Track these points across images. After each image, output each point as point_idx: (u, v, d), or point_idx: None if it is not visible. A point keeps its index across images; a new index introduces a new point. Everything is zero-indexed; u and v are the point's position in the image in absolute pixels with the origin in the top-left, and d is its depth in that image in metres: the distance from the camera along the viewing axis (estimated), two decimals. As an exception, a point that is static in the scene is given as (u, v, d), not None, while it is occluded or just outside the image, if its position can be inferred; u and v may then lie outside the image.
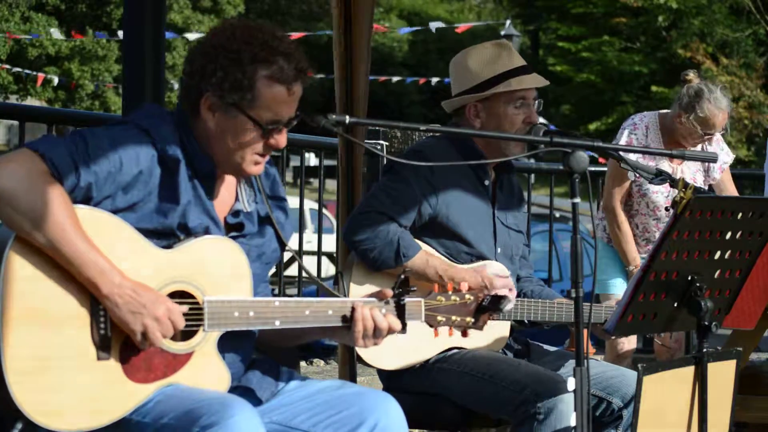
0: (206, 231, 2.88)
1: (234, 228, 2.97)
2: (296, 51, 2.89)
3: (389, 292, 2.99)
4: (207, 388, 2.81)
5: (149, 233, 2.79)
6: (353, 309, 2.93)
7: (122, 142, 2.77)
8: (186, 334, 2.78)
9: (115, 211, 2.75)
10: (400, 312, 2.98)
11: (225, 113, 2.84)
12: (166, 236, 2.82)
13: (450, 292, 3.06)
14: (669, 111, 5.68)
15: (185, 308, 2.75)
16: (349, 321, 2.94)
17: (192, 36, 22.65)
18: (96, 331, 2.67)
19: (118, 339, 2.70)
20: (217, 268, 2.83)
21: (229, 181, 2.99)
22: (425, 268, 3.70)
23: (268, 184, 3.10)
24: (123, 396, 2.70)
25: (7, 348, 2.57)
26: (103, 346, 2.68)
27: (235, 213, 2.97)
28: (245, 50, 2.81)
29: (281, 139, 2.90)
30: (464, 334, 3.13)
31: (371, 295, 3.01)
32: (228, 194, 2.98)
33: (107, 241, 2.70)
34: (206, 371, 2.82)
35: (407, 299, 2.99)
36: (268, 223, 3.05)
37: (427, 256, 3.73)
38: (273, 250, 3.07)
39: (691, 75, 5.58)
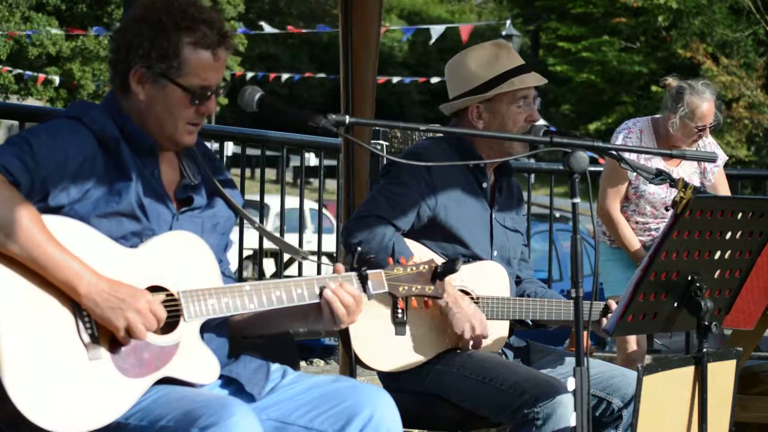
0: (156, 211, 2.90)
1: (184, 202, 3.00)
2: (217, 18, 2.92)
3: (341, 267, 3.01)
4: (199, 376, 2.84)
5: (111, 223, 2.81)
6: (323, 288, 2.94)
7: (60, 133, 2.81)
8: (168, 328, 2.79)
9: (72, 204, 2.78)
10: (363, 283, 3.01)
11: (154, 84, 2.88)
12: (129, 217, 2.84)
13: (405, 264, 3.10)
14: (659, 116, 5.70)
15: (162, 296, 2.77)
16: (320, 298, 2.95)
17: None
18: (84, 333, 2.69)
19: (105, 338, 2.71)
20: (184, 262, 2.87)
21: (172, 157, 3.02)
22: None
23: (211, 165, 3.11)
24: (121, 393, 2.71)
25: (3, 359, 2.57)
26: (93, 346, 2.69)
27: (184, 188, 3.01)
28: (167, 20, 2.86)
29: (210, 105, 2.94)
30: (426, 304, 3.18)
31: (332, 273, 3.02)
32: (172, 171, 3.01)
33: (76, 246, 2.71)
34: (195, 360, 2.85)
35: (369, 271, 3.03)
36: (216, 194, 3.08)
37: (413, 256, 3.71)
38: (226, 218, 3.10)
39: (670, 80, 5.63)
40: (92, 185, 2.81)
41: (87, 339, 2.68)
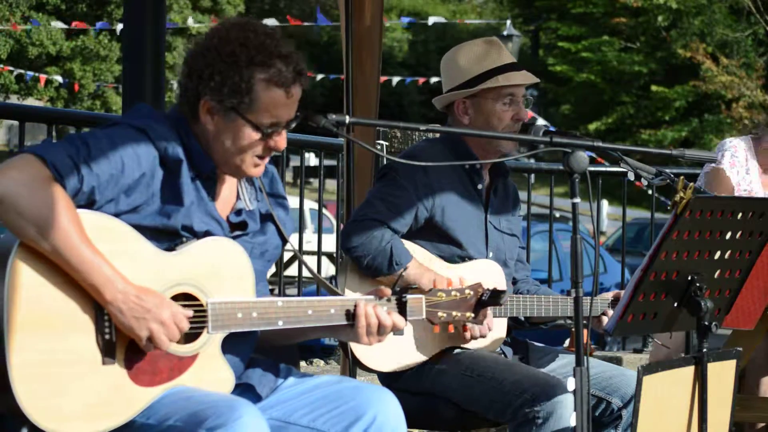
0: (206, 233, 2.87)
1: (237, 227, 2.97)
2: (293, 52, 2.85)
3: (387, 291, 3.00)
4: (211, 389, 2.82)
5: (152, 232, 2.79)
6: (356, 306, 2.94)
7: (122, 143, 2.76)
8: (190, 336, 2.78)
9: (117, 215, 2.75)
10: (402, 309, 3.00)
11: (224, 117, 2.83)
12: (169, 236, 2.81)
13: (450, 288, 3.08)
14: (756, 134, 5.62)
15: (190, 312, 2.74)
16: (351, 319, 2.94)
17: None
18: (101, 337, 2.67)
19: (122, 344, 2.70)
20: (219, 270, 2.83)
21: (230, 180, 2.99)
22: (418, 279, 3.66)
23: (267, 182, 3.10)
24: (128, 400, 2.70)
25: (13, 354, 2.57)
26: (108, 351, 2.67)
27: (238, 212, 2.98)
28: (241, 53, 2.79)
29: (281, 142, 2.89)
30: (464, 329, 3.15)
31: (370, 293, 3.02)
32: (230, 193, 2.98)
33: (111, 245, 2.69)
34: (210, 373, 2.83)
35: (408, 296, 3.01)
36: (270, 220, 3.06)
37: (420, 266, 3.71)
38: (275, 246, 3.07)
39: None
40: (144, 201, 2.78)
41: (104, 343, 2.67)
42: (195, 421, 2.64)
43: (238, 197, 3.00)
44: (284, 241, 3.09)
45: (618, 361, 7.37)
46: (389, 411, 2.91)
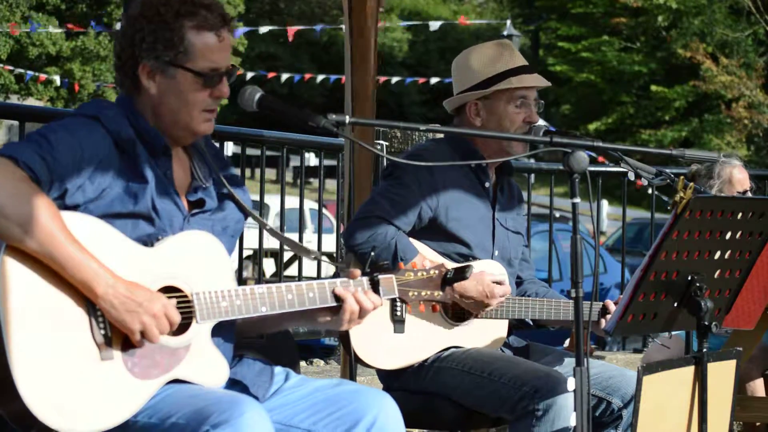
0: (169, 213, 2.91)
1: (195, 205, 3.00)
2: (214, 2, 2.93)
3: (357, 272, 3.01)
4: (209, 378, 2.84)
5: (124, 220, 2.81)
6: (341, 294, 2.96)
7: (77, 131, 2.80)
8: (180, 329, 2.80)
9: (87, 203, 2.78)
10: (375, 288, 3.02)
11: (164, 75, 2.88)
12: (145, 219, 2.84)
13: (416, 269, 3.10)
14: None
15: (174, 301, 2.77)
16: (331, 302, 2.96)
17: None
18: (97, 333, 2.68)
19: (118, 339, 2.71)
20: (197, 262, 2.86)
21: (183, 159, 3.02)
22: None
23: (220, 164, 3.11)
24: (131, 394, 2.71)
25: (14, 354, 2.57)
26: (105, 347, 2.68)
27: (195, 189, 3.01)
28: (166, 10, 2.87)
29: (224, 89, 2.93)
30: (434, 308, 3.20)
31: (343, 275, 3.03)
32: (183, 172, 3.01)
33: (93, 243, 2.71)
34: (205, 362, 2.85)
35: (380, 276, 3.03)
36: (226, 196, 3.08)
37: (425, 260, 3.72)
38: (236, 221, 3.10)
39: (693, 168, 5.41)
40: (108, 185, 2.81)
41: (100, 339, 2.68)
42: (199, 418, 2.65)
43: (192, 177, 3.02)
44: (245, 213, 3.11)
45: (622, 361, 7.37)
46: (389, 413, 2.92)
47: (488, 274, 3.77)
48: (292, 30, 20.44)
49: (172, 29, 2.87)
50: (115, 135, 2.84)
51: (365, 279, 3.01)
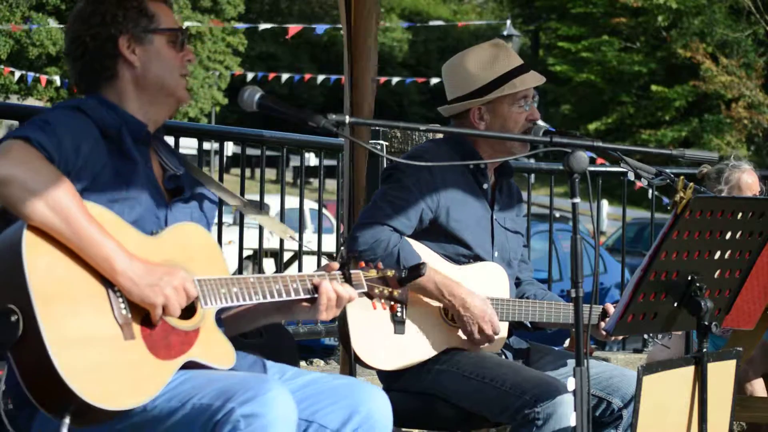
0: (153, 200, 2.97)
1: (174, 192, 3.04)
2: None
3: (335, 265, 3.13)
4: (220, 359, 2.89)
5: (124, 201, 2.84)
6: (319, 284, 3.06)
7: (68, 119, 2.84)
8: (187, 314, 2.83)
9: (82, 191, 2.79)
10: (347, 282, 3.13)
11: (142, 43, 2.98)
12: (138, 203, 2.88)
13: (379, 268, 3.23)
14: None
15: (190, 277, 2.82)
16: (311, 293, 3.06)
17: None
18: (118, 313, 2.69)
19: (137, 319, 2.73)
20: (195, 251, 2.91)
21: (152, 151, 3.07)
22: (425, 282, 3.68)
23: (170, 155, 3.18)
24: (155, 373, 2.72)
25: (48, 331, 2.55)
26: (127, 326, 2.70)
27: (170, 178, 3.06)
28: None
29: (191, 53, 3.09)
30: (393, 308, 3.28)
31: (321, 269, 3.14)
32: (156, 164, 3.06)
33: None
34: (215, 345, 2.89)
35: (351, 270, 3.15)
36: (196, 183, 3.14)
37: (429, 269, 3.71)
38: (210, 207, 3.17)
39: (704, 169, 5.37)
40: (99, 170, 2.83)
41: (122, 319, 2.69)
42: (223, 396, 2.67)
43: (163, 168, 3.07)
44: (215, 197, 3.18)
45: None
46: (381, 407, 2.98)
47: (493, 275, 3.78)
48: (292, 29, 20.42)
49: (136, 3, 2.99)
50: (99, 122, 2.88)
51: (338, 273, 3.11)
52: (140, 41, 2.97)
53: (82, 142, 2.81)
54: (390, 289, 3.22)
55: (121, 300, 2.71)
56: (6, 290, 2.58)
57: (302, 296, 3.05)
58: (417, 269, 3.22)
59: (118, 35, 2.95)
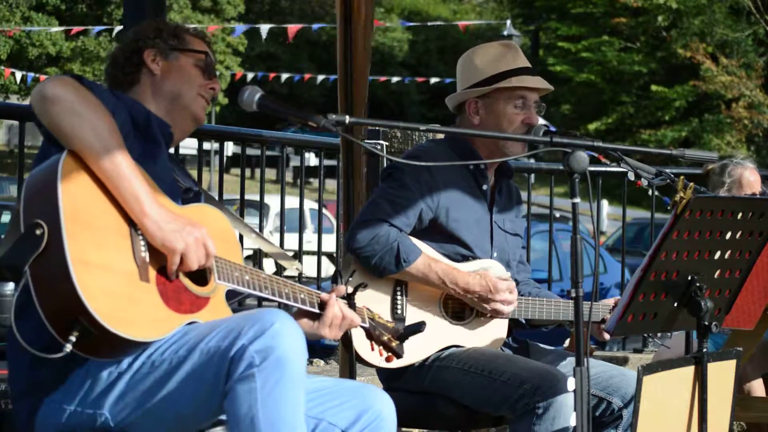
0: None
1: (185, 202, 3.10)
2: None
3: (343, 289, 3.19)
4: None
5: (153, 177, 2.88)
6: (326, 300, 3.12)
7: (104, 90, 2.91)
8: (200, 283, 2.86)
9: None
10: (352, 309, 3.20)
11: (167, 58, 3.10)
12: (164, 182, 2.92)
13: (376, 313, 3.31)
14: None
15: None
16: (317, 309, 3.11)
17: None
18: (138, 254, 2.71)
19: (154, 266, 2.75)
20: (215, 233, 2.92)
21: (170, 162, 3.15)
22: (427, 273, 3.71)
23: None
24: (164, 318, 2.73)
25: (71, 249, 2.56)
26: (143, 268, 2.72)
27: (186, 190, 3.15)
28: (160, 24, 3.20)
29: (217, 83, 3.19)
30: (389, 359, 3.33)
31: (329, 291, 3.19)
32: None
33: None
34: (219, 316, 2.91)
35: (356, 304, 3.22)
36: (198, 198, 3.22)
37: (429, 260, 3.73)
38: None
39: (710, 165, 5.41)
40: (129, 146, 2.84)
41: (140, 260, 2.71)
42: (232, 335, 2.69)
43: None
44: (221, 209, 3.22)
45: (623, 361, 7.37)
46: (388, 409, 3.04)
47: (494, 271, 3.79)
48: (292, 29, 20.41)
49: (173, 29, 3.15)
50: (129, 107, 2.94)
51: (343, 301, 3.17)
52: (165, 56, 3.10)
53: (117, 111, 2.85)
54: (389, 337, 3.29)
55: (142, 242, 2.73)
56: (36, 206, 2.60)
57: (307, 308, 3.08)
58: (416, 327, 3.31)
59: (145, 48, 3.09)
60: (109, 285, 2.62)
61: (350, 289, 3.23)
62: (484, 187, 3.92)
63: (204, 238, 2.78)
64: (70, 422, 2.75)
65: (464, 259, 3.82)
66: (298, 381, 2.71)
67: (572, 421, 3.00)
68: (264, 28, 20.50)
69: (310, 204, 17.56)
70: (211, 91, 3.16)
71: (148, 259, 2.73)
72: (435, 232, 3.81)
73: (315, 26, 19.26)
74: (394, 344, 3.30)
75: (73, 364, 2.71)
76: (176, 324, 2.75)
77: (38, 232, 2.55)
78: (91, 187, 2.69)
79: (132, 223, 2.72)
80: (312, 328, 3.13)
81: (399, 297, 3.75)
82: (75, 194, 2.63)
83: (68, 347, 2.55)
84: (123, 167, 2.69)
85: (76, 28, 23.36)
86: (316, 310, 3.11)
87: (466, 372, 3.70)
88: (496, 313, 3.78)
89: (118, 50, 3.16)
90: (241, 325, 2.69)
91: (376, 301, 3.70)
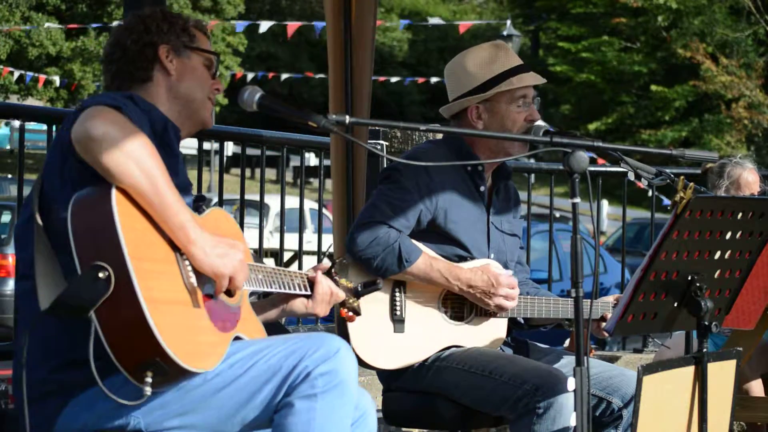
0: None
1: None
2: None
3: (325, 265, 3.27)
4: (260, 335, 2.98)
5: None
6: (314, 278, 3.21)
7: (128, 103, 2.87)
8: (228, 293, 2.89)
9: None
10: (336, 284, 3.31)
11: (180, 56, 3.07)
12: (184, 192, 2.92)
13: (344, 280, 3.38)
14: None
15: None
16: (308, 290, 3.19)
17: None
18: (186, 279, 2.72)
19: (200, 289, 2.76)
20: (228, 236, 2.94)
21: None
22: (429, 271, 3.71)
23: None
24: (217, 342, 2.77)
25: (143, 290, 2.55)
26: (193, 293, 2.73)
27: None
28: (166, 12, 3.13)
29: (220, 83, 3.20)
30: (350, 319, 3.40)
31: (311, 269, 3.25)
32: None
33: None
34: (252, 324, 2.99)
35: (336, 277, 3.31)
36: None
37: (429, 259, 3.73)
38: None
39: (709, 164, 5.40)
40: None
41: (189, 286, 2.72)
42: (296, 356, 2.78)
43: None
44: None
45: (615, 360, 7.37)
46: (372, 406, 3.10)
47: (494, 266, 3.79)
48: (292, 26, 20.39)
49: (182, 22, 3.09)
50: (148, 114, 2.90)
51: (327, 277, 3.26)
52: (179, 53, 3.06)
53: (142, 125, 2.83)
54: (353, 299, 3.37)
55: (189, 266, 2.74)
56: (94, 247, 2.57)
57: (305, 292, 3.16)
58: (373, 284, 3.37)
59: (159, 43, 3.04)
60: (175, 320, 2.63)
61: (327, 262, 3.29)
62: (482, 188, 3.91)
63: (245, 257, 2.83)
64: (97, 423, 2.76)
65: (462, 260, 3.82)
66: (352, 406, 2.87)
67: (572, 421, 2.99)
68: (264, 25, 20.50)
69: (310, 204, 17.55)
70: (216, 92, 3.15)
71: (195, 284, 2.75)
72: (433, 233, 3.81)
73: (317, 24, 19.20)
74: (356, 304, 3.37)
75: (110, 370, 2.70)
76: (227, 344, 2.81)
77: (102, 275, 2.53)
78: (142, 221, 2.67)
79: (175, 248, 2.73)
80: (307, 308, 3.20)
81: (398, 297, 3.75)
82: (131, 231, 2.61)
83: (148, 390, 2.58)
84: (168, 197, 2.68)
85: (75, 26, 23.37)
86: (308, 292, 3.18)
87: (467, 372, 3.70)
88: (499, 309, 3.78)
89: (129, 41, 3.04)
90: (306, 347, 2.80)
91: (375, 301, 3.70)
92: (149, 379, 2.56)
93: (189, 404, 2.74)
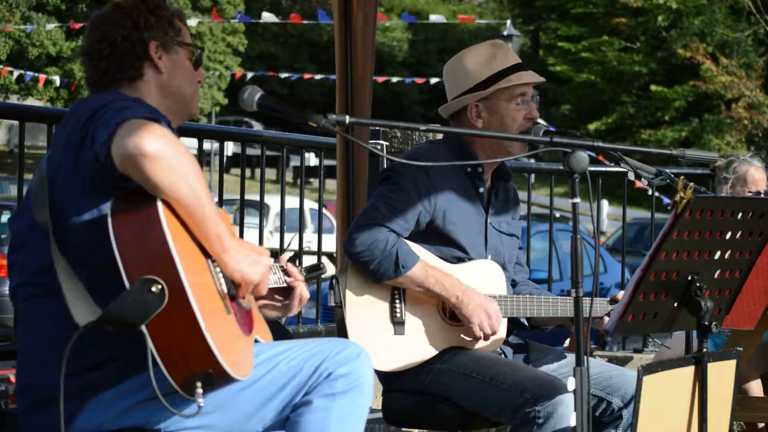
0: None
1: None
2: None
3: (294, 269, 3.26)
4: (267, 337, 3.02)
5: None
6: (292, 285, 3.22)
7: (159, 115, 2.87)
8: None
9: None
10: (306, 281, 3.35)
11: (169, 53, 3.04)
12: None
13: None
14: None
15: None
16: (284, 283, 3.21)
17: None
18: (219, 287, 2.75)
19: (229, 295, 2.79)
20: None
21: None
22: (425, 279, 3.69)
23: None
24: (246, 347, 2.80)
25: (198, 302, 2.55)
26: (225, 300, 2.75)
27: None
28: (151, 2, 3.08)
29: (202, 73, 3.19)
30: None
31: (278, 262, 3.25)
32: None
33: None
34: (262, 325, 3.03)
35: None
36: None
37: (426, 267, 3.72)
38: None
39: (718, 162, 5.40)
40: None
41: (222, 294, 2.75)
42: (316, 358, 2.85)
43: None
44: None
45: (623, 361, 7.37)
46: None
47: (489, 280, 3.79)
48: (294, 17, 20.41)
49: (168, 15, 3.06)
50: (155, 114, 2.88)
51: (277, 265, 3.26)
52: (167, 49, 3.03)
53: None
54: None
55: (220, 273, 2.77)
56: (143, 261, 2.56)
57: (281, 285, 3.19)
58: (316, 268, 3.39)
59: (150, 40, 3.00)
60: (221, 330, 2.65)
61: (286, 257, 3.28)
62: (481, 189, 3.91)
63: (269, 263, 2.87)
64: (114, 422, 2.75)
65: (459, 261, 3.82)
66: (368, 409, 2.93)
67: (572, 422, 2.99)
68: (266, 16, 20.49)
69: (310, 204, 17.56)
70: (199, 83, 3.15)
71: (226, 290, 2.78)
72: (432, 234, 3.80)
73: (321, 14, 19.13)
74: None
75: (131, 371, 2.71)
76: (252, 347, 2.84)
77: (155, 288, 2.52)
78: (183, 231, 2.68)
79: (207, 255, 2.75)
80: (282, 309, 3.23)
81: (397, 301, 3.74)
82: (179, 242, 2.61)
83: (201, 402, 2.58)
84: (208, 210, 2.69)
85: (76, 25, 23.36)
86: (286, 285, 3.20)
87: (467, 376, 3.69)
88: (472, 332, 3.74)
89: (119, 38, 2.99)
90: (327, 350, 2.87)
91: (374, 305, 3.70)
92: (200, 390, 2.56)
93: (209, 405, 2.72)
